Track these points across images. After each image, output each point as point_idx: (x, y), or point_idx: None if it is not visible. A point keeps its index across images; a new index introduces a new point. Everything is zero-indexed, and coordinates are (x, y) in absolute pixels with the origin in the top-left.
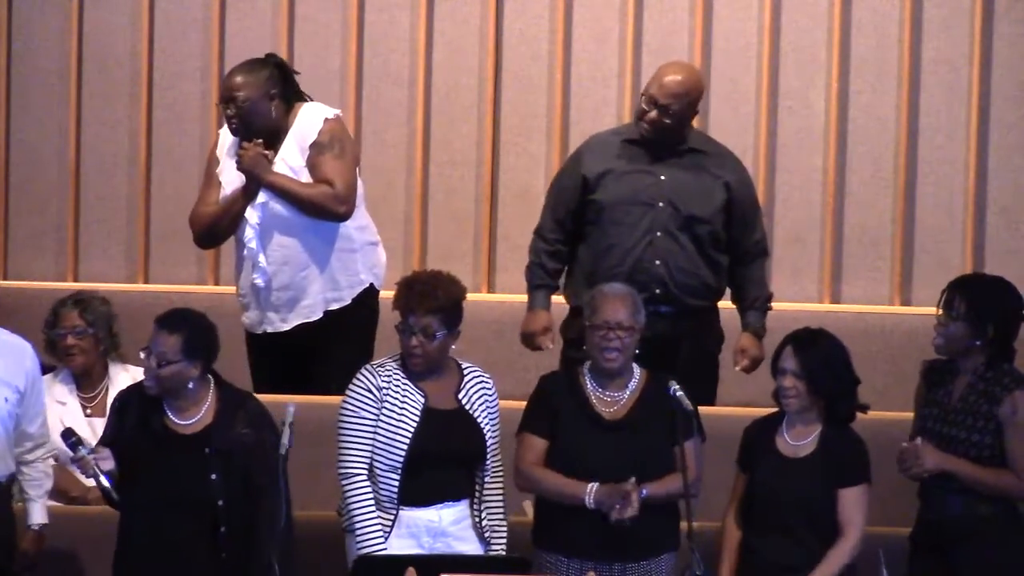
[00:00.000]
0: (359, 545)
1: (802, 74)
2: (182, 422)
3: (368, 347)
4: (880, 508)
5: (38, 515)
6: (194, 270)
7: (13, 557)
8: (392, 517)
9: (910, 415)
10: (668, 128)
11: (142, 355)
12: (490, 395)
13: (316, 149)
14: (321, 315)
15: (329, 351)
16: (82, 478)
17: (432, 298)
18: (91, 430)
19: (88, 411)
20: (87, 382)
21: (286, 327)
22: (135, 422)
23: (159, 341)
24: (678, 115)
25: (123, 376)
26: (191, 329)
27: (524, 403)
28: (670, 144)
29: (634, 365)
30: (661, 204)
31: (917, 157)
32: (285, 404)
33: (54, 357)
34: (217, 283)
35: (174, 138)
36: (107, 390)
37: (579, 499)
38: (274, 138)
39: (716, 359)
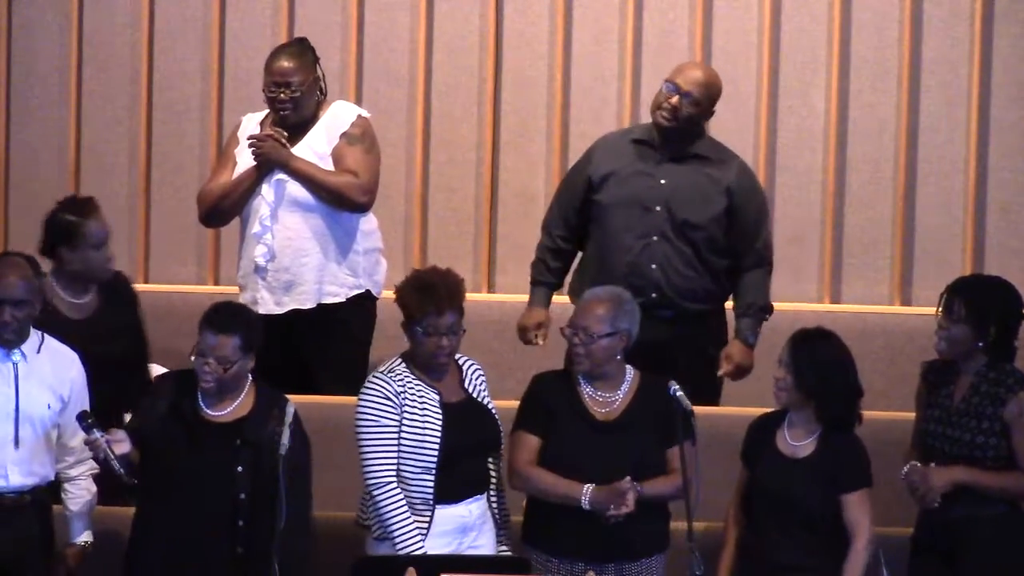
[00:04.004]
0: (400, 550)
1: (802, 74)
2: (215, 412)
3: (365, 353)
4: (880, 508)
5: (80, 532)
6: (194, 270)
7: (49, 566)
8: (428, 518)
9: (910, 415)
10: (686, 119)
11: (193, 359)
12: (484, 382)
13: (346, 139)
14: (314, 305)
15: (325, 351)
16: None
17: (458, 295)
18: None
19: None
20: None
21: (280, 310)
22: (166, 408)
23: (218, 345)
24: (696, 104)
25: None
26: (245, 326)
27: None
28: (678, 146)
29: (628, 367)
30: (658, 208)
31: (917, 157)
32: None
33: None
34: (217, 283)
35: (174, 138)
36: None
37: (575, 500)
38: (302, 126)
39: (716, 362)
